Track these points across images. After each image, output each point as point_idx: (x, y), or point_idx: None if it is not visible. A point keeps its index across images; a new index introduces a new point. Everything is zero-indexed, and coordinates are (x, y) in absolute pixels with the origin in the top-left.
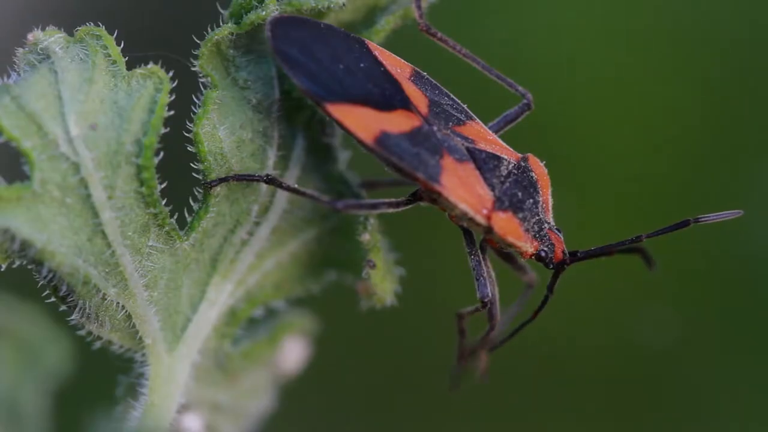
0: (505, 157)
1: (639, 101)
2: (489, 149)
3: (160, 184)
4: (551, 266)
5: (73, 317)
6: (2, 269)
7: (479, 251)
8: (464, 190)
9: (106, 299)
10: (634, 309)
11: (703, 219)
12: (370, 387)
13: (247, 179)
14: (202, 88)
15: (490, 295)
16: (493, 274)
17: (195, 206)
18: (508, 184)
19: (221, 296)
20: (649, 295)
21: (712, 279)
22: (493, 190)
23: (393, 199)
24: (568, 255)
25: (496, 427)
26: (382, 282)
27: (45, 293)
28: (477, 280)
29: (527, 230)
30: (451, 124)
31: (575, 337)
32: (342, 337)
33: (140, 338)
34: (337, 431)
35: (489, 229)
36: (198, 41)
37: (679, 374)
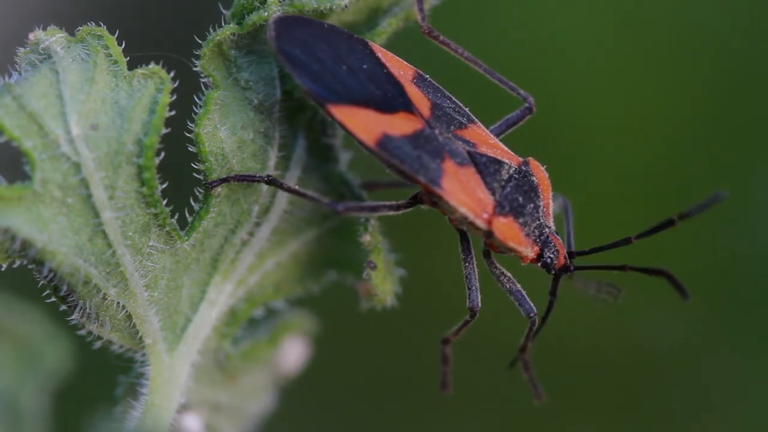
0: (506, 161)
1: (640, 102)
2: (490, 153)
3: (161, 184)
4: (553, 272)
5: (73, 317)
6: (2, 269)
7: (475, 259)
8: (465, 194)
9: (106, 299)
10: (636, 310)
11: (687, 213)
12: (370, 387)
13: (248, 180)
14: (204, 89)
15: (480, 304)
16: (508, 273)
17: (196, 206)
18: (509, 189)
19: (221, 296)
20: (652, 295)
21: (715, 279)
22: (493, 194)
23: (394, 202)
24: (570, 262)
25: (495, 427)
26: (383, 283)
27: (45, 293)
28: (468, 288)
29: (528, 235)
30: (452, 127)
31: (576, 338)
32: (342, 337)
33: (140, 338)
34: (337, 431)
35: (489, 234)
36: (199, 41)
37: (682, 375)
